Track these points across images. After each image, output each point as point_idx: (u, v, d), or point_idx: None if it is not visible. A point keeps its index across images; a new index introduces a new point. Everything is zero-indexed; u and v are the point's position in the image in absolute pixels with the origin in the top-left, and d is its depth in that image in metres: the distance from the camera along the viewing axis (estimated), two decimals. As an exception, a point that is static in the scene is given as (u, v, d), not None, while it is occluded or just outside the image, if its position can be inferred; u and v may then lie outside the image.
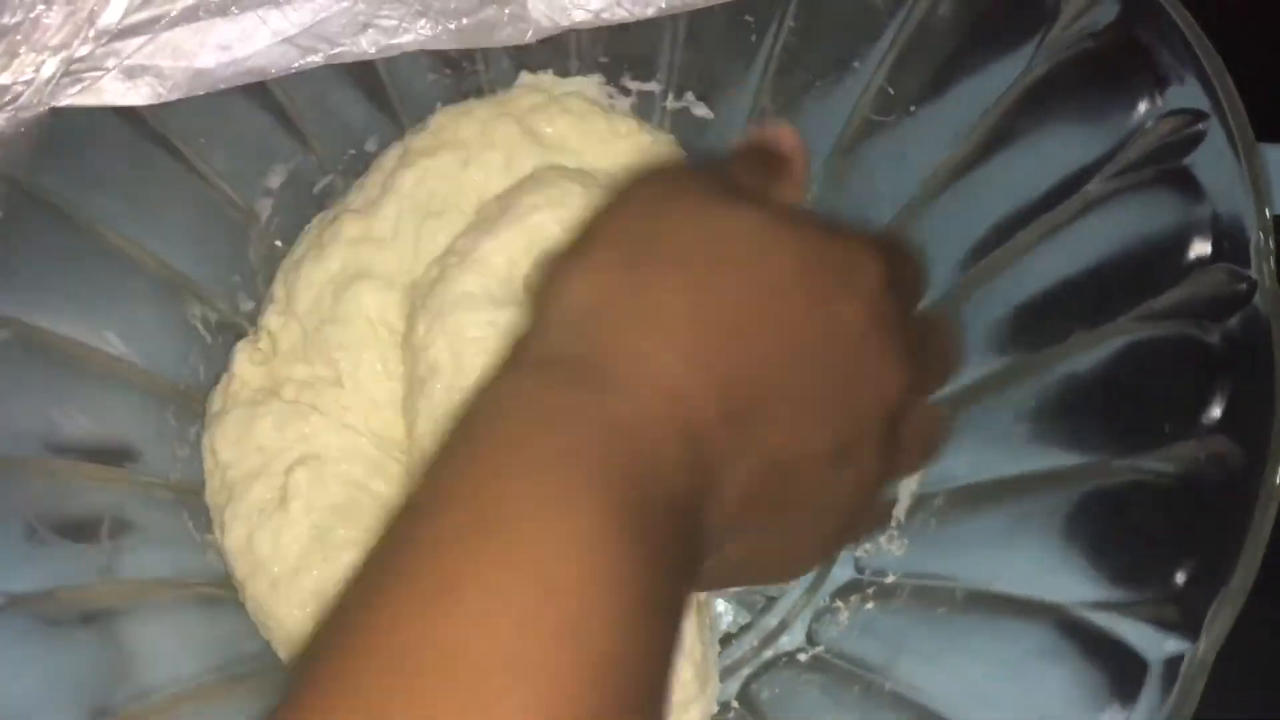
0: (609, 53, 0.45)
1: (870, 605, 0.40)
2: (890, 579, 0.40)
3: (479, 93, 0.46)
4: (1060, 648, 0.32)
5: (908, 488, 0.41)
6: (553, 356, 0.26)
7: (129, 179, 0.40)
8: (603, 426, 0.24)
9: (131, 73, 0.34)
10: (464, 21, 0.36)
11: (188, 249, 0.42)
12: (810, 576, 0.43)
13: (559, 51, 0.45)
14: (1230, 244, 0.32)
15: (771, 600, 0.44)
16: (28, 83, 0.33)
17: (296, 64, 0.36)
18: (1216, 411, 0.31)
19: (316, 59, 0.36)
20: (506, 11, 0.37)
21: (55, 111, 0.36)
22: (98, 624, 0.36)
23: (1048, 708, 0.31)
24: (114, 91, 0.34)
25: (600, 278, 0.27)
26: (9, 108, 0.34)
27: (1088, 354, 0.35)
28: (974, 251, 0.40)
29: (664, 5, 0.37)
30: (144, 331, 0.40)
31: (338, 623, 0.23)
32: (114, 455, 0.39)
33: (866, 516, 0.32)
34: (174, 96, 0.35)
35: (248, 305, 0.44)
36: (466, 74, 0.45)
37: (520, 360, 0.27)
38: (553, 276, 0.28)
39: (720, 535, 0.26)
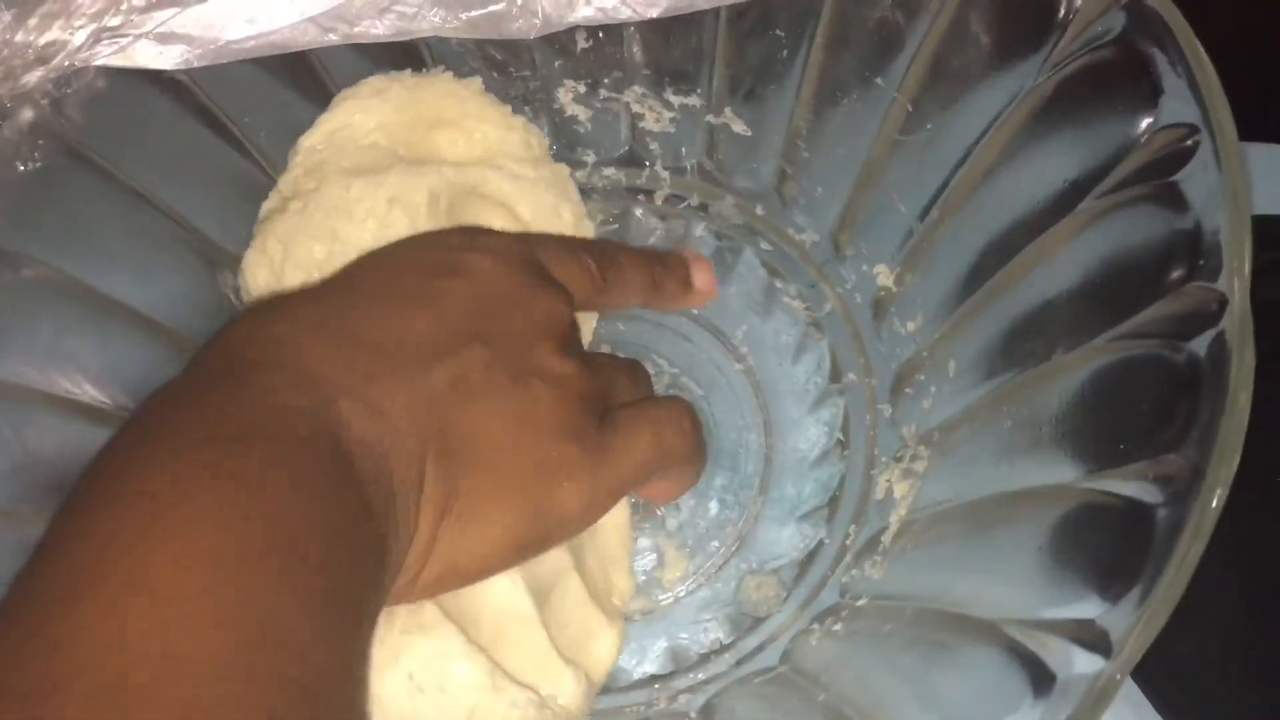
0: (653, 65, 0.46)
1: (839, 626, 0.38)
2: (861, 602, 0.38)
3: (526, 97, 0.47)
4: (988, 658, 0.30)
5: (897, 513, 0.40)
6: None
7: (172, 148, 0.42)
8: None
9: (163, 39, 0.37)
10: (474, 13, 0.38)
11: (223, 222, 0.44)
12: (801, 599, 0.42)
13: (605, 62, 0.46)
14: (1208, 262, 0.30)
15: (758, 621, 0.43)
16: (61, 45, 0.36)
17: (317, 41, 0.38)
18: (1173, 432, 0.29)
19: (334, 38, 0.38)
20: (516, 5, 0.38)
21: (107, 77, 0.39)
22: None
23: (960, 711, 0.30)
24: (146, 55, 0.37)
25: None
26: (40, 68, 0.37)
27: (1065, 376, 0.34)
28: (975, 273, 0.39)
29: (666, 5, 0.38)
30: (173, 293, 0.42)
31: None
32: (128, 409, 0.41)
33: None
34: (202, 63, 0.37)
35: (284, 282, 0.46)
36: (514, 79, 0.47)
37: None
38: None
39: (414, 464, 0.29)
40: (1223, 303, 0.29)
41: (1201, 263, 0.30)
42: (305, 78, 0.44)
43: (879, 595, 0.38)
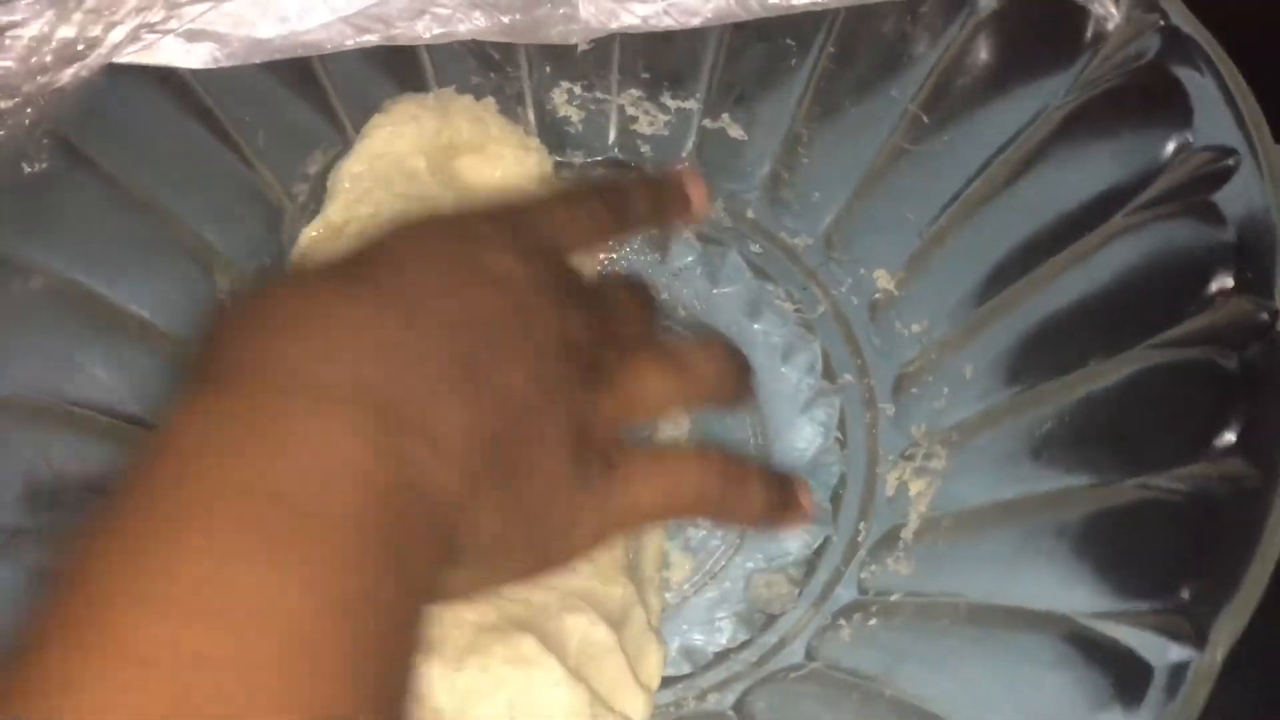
0: (650, 69, 0.47)
1: (873, 621, 0.40)
2: (895, 597, 0.40)
3: (520, 97, 0.47)
4: (1064, 654, 0.32)
5: (915, 509, 0.42)
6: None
7: (171, 149, 0.40)
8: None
9: (192, 36, 0.35)
10: (517, 17, 0.37)
11: (222, 224, 0.42)
12: (814, 595, 0.43)
13: (602, 63, 0.46)
14: (1255, 275, 0.33)
15: (772, 619, 0.44)
16: (96, 41, 0.34)
17: (350, 42, 0.37)
18: (1231, 435, 0.32)
19: (372, 39, 0.37)
20: (560, 11, 0.38)
21: (109, 72, 0.37)
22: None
23: (1049, 709, 0.31)
24: (172, 53, 0.35)
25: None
26: (73, 65, 0.35)
27: (1102, 380, 0.36)
28: (994, 280, 0.41)
29: (709, 15, 0.38)
30: (172, 298, 0.41)
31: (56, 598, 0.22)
32: (131, 418, 0.39)
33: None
34: (230, 63, 0.36)
35: (276, 287, 0.45)
36: (510, 78, 0.46)
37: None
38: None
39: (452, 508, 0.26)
40: (1273, 313, 0.32)
41: (1249, 276, 0.33)
42: (305, 78, 0.42)
43: (915, 591, 0.39)
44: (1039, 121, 0.39)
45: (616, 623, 0.36)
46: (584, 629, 0.34)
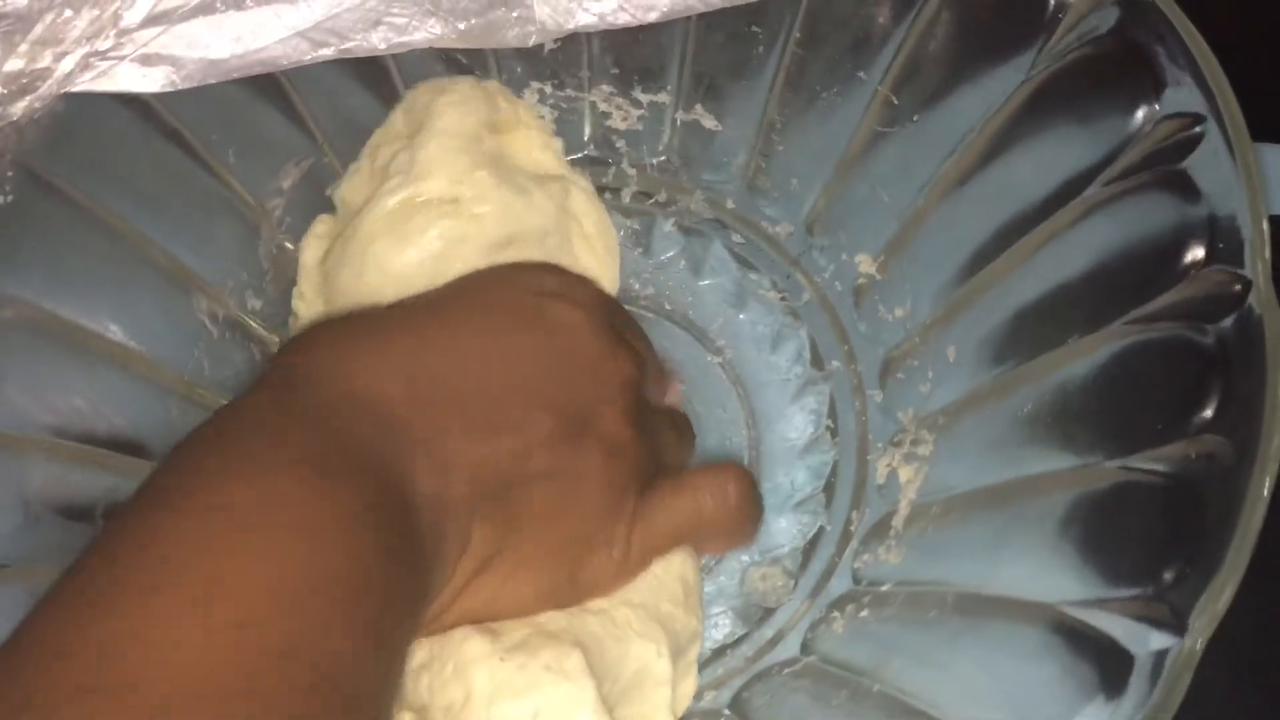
0: (620, 64, 0.46)
1: (865, 613, 0.39)
2: (885, 587, 0.39)
3: (490, 101, 0.46)
4: (1049, 645, 0.32)
5: (905, 496, 0.41)
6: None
7: (140, 171, 0.40)
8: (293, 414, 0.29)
9: (147, 60, 0.35)
10: (472, 22, 0.37)
11: (196, 244, 0.42)
12: (809, 588, 0.43)
13: (571, 61, 0.46)
14: (1226, 245, 0.32)
15: (769, 612, 0.43)
16: (45, 72, 0.34)
17: (308, 57, 0.36)
18: (1209, 411, 0.31)
19: (328, 52, 0.36)
20: (514, 14, 0.37)
21: (69, 99, 0.37)
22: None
23: (1035, 702, 0.31)
24: (128, 78, 0.35)
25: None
26: (25, 98, 0.35)
27: (1083, 359, 0.35)
28: (974, 261, 0.40)
29: (666, 9, 0.38)
30: (149, 322, 0.40)
31: (40, 612, 0.23)
32: (113, 443, 0.39)
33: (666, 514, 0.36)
34: (187, 85, 0.36)
35: (256, 303, 0.45)
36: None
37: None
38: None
39: (462, 524, 0.30)
40: (1245, 283, 0.31)
41: (1221, 246, 0.32)
42: (271, 92, 0.42)
43: (904, 581, 0.39)
44: (1008, 99, 0.38)
45: (677, 651, 0.36)
46: (648, 659, 0.35)
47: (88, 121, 0.38)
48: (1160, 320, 0.33)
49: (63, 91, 0.35)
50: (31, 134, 0.37)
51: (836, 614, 0.41)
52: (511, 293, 0.36)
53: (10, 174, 0.36)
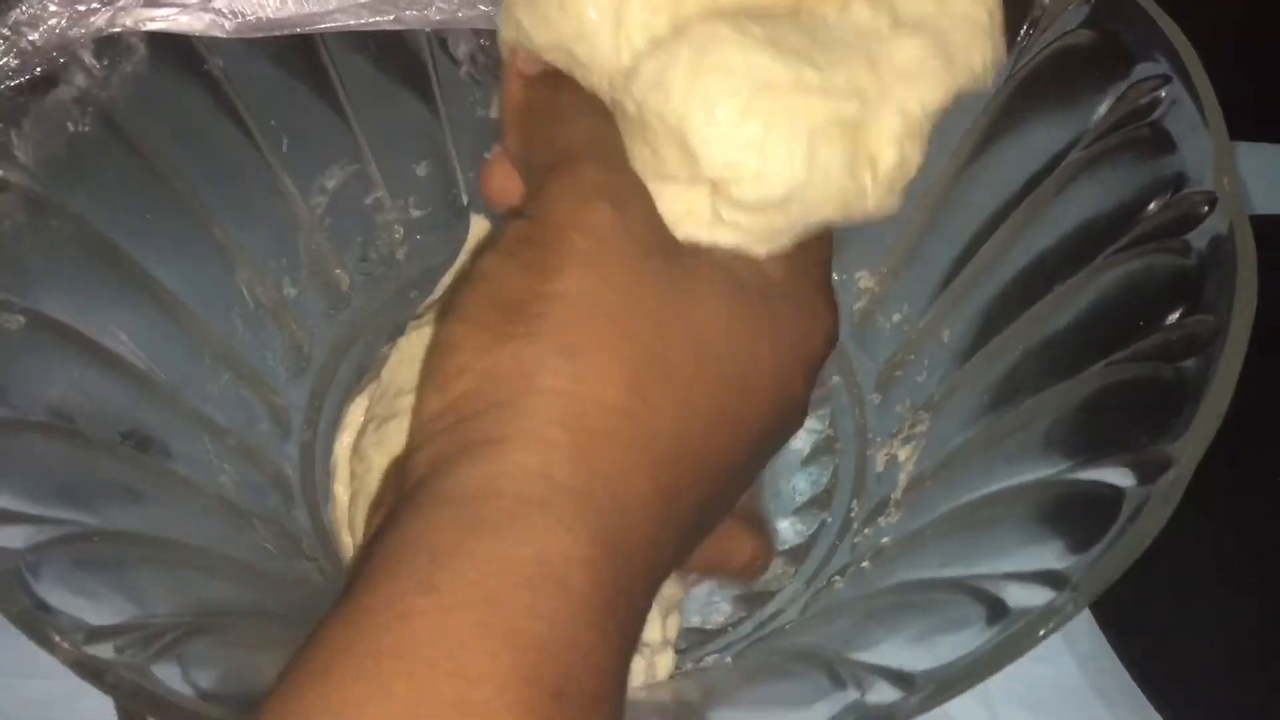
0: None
1: (865, 564, 0.40)
2: (885, 540, 0.40)
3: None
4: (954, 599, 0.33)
5: (904, 471, 0.43)
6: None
7: (204, 143, 0.44)
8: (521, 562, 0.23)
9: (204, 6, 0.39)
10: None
11: (244, 221, 0.45)
12: (809, 573, 0.44)
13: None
14: (1196, 182, 0.35)
15: (771, 595, 0.44)
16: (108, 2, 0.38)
17: (364, 21, 0.41)
18: (1180, 309, 0.33)
19: (384, 20, 0.41)
20: None
21: (150, 61, 0.41)
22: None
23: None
24: (178, 20, 0.39)
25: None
26: (82, 28, 0.38)
27: (1068, 298, 0.38)
28: (967, 250, 0.43)
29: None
30: (194, 276, 0.43)
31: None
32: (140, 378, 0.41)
33: None
34: (239, 35, 0.40)
35: (291, 291, 0.47)
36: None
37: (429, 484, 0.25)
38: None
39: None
40: (1214, 201, 0.34)
41: (1190, 185, 0.35)
42: (325, 87, 0.46)
43: (903, 534, 0.40)
44: (994, 96, 0.42)
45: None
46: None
47: (165, 90, 0.42)
48: (1136, 246, 0.36)
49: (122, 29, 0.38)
50: (116, 86, 0.41)
51: (838, 578, 0.41)
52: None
53: (90, 109, 0.40)
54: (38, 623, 0.29)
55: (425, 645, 0.21)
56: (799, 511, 0.47)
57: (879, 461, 0.45)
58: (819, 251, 0.29)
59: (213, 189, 0.44)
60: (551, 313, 0.25)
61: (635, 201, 0.27)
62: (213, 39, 0.41)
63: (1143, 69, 0.38)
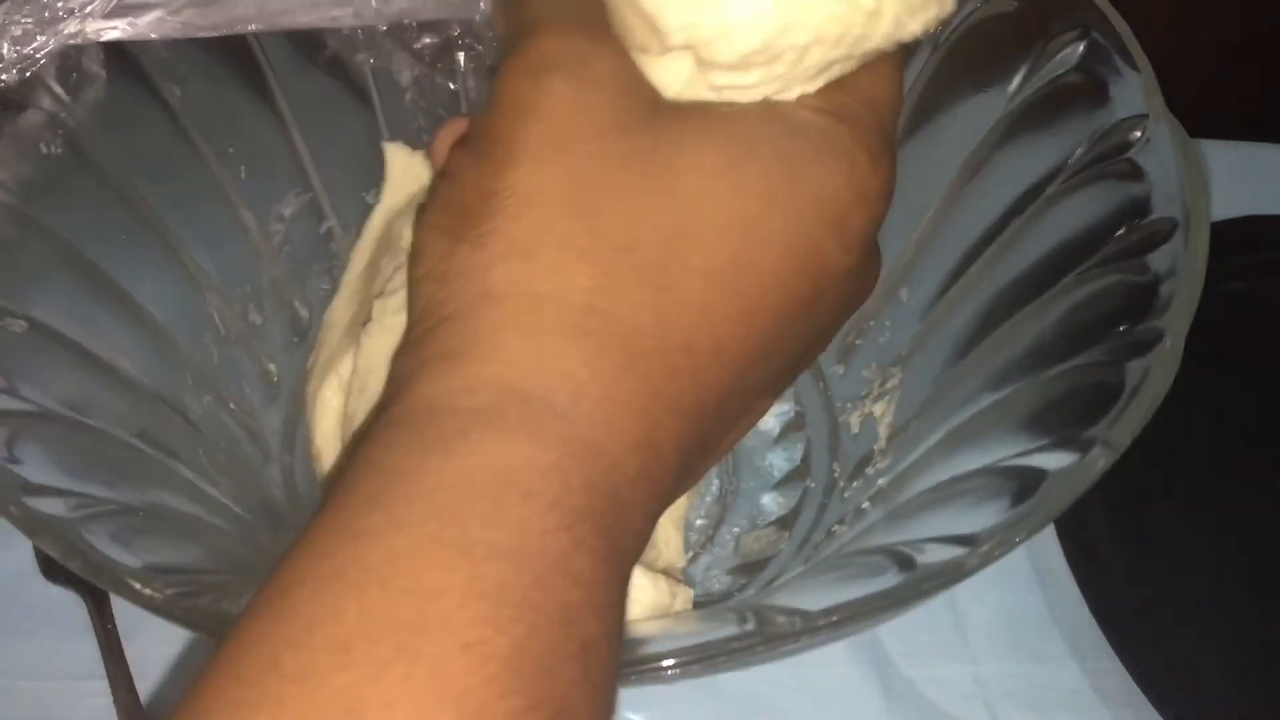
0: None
1: (866, 504, 0.42)
2: (881, 481, 0.42)
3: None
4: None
5: (883, 424, 0.45)
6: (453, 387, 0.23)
7: (168, 168, 0.44)
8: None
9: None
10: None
11: (209, 246, 0.45)
12: (801, 535, 0.45)
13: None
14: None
15: (767, 560, 0.45)
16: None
17: (327, 17, 0.41)
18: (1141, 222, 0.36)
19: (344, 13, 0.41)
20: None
21: (110, 92, 0.41)
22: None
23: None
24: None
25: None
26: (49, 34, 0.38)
27: (1026, 227, 0.40)
28: (956, 270, 0.44)
29: None
30: (167, 298, 0.43)
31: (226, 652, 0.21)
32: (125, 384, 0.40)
33: None
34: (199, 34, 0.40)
35: (256, 319, 0.47)
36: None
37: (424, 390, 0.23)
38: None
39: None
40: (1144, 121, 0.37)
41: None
42: (273, 114, 0.47)
43: (894, 474, 0.42)
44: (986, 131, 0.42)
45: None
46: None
47: (126, 116, 0.42)
48: (1084, 170, 0.39)
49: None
50: (81, 112, 0.41)
51: (838, 526, 0.43)
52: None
53: (60, 132, 0.40)
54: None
55: (376, 564, 0.20)
56: (779, 486, 0.48)
57: (854, 424, 0.47)
58: (870, 90, 0.26)
59: (178, 214, 0.44)
60: (503, 209, 0.24)
61: (598, 73, 0.25)
62: (168, 64, 0.42)
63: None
